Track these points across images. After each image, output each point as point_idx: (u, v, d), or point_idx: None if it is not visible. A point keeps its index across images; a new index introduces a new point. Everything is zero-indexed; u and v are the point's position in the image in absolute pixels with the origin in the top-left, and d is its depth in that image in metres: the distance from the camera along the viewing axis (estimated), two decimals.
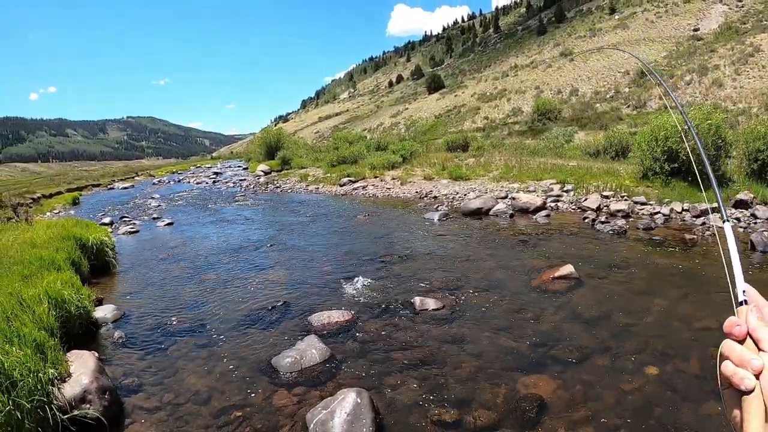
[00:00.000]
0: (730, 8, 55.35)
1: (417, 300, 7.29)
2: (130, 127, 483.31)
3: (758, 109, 22.85)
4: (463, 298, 7.71)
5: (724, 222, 1.20)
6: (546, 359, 5.74)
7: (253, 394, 4.92)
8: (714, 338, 6.15)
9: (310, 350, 5.59)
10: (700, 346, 5.94)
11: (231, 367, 5.53)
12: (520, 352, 5.92)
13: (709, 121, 14.23)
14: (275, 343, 6.12)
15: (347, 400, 4.29)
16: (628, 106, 32.45)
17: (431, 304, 7.20)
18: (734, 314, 0.92)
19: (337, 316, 6.77)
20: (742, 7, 54.07)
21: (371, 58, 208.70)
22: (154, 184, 29.51)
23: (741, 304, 0.94)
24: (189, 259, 10.59)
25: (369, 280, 8.60)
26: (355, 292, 8.08)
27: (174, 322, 6.95)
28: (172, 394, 4.94)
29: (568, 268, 8.34)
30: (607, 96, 36.88)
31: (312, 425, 4.16)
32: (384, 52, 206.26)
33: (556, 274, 8.25)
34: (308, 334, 6.14)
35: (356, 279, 8.62)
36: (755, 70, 28.00)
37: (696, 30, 51.59)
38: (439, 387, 5.09)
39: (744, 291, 0.95)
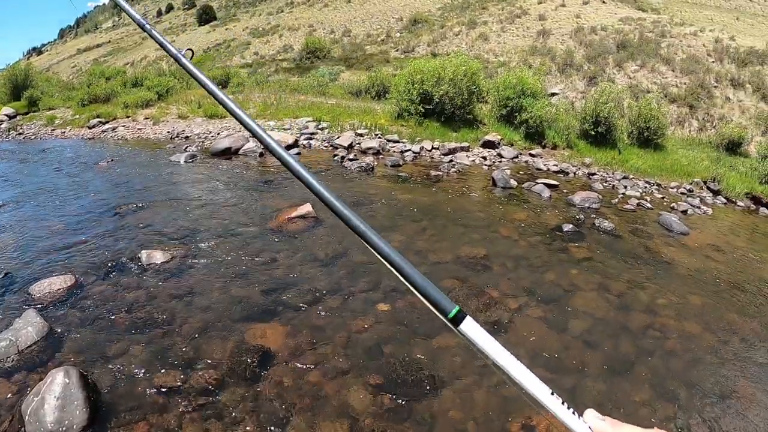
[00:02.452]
0: None
1: (144, 254, 6.67)
2: None
3: (516, 63, 25.36)
4: (196, 247, 7.14)
5: None
6: (276, 306, 5.53)
7: None
8: (448, 270, 6.36)
9: (26, 328, 5.01)
10: (434, 279, 5.89)
11: None
12: (250, 300, 5.66)
13: (464, 67, 14.95)
14: None
15: (56, 382, 3.95)
16: (397, 50, 33.45)
17: (159, 257, 6.63)
18: None
19: (59, 282, 6.01)
20: None
21: None
22: None
23: None
24: None
25: (98, 237, 7.67)
26: (81, 251, 7.15)
27: None
28: None
29: (306, 207, 8.14)
30: (379, 39, 37.66)
31: (27, 417, 3.81)
32: None
33: (294, 214, 7.99)
34: (28, 308, 5.45)
35: (84, 236, 7.66)
36: (520, 30, 30.88)
37: None
38: (165, 349, 4.78)
39: None
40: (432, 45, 31.76)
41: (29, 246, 7.56)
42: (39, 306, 5.54)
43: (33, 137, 19.50)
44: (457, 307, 0.77)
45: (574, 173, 12.31)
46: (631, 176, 12.13)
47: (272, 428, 3.79)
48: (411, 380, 4.29)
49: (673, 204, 10.62)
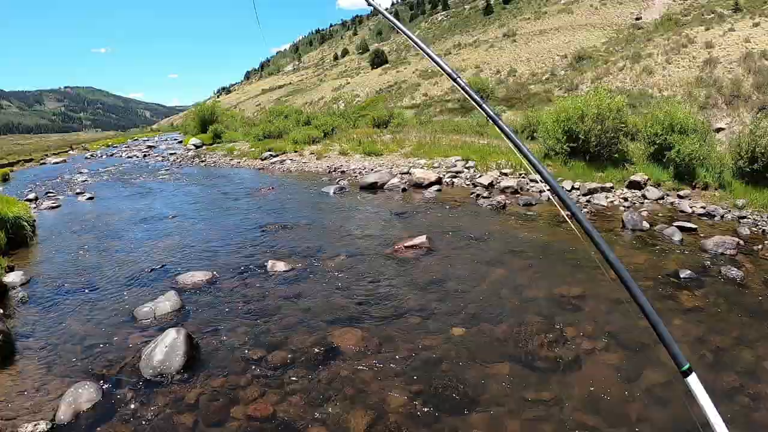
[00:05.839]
0: (673, 0, 56.71)
1: (269, 263, 8.14)
2: (67, 97, 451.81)
3: (682, 96, 23.44)
4: (316, 262, 8.35)
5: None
6: (363, 315, 6.32)
7: (114, 336, 5.97)
8: (536, 306, 6.54)
9: (164, 302, 6.65)
10: (518, 313, 6.37)
11: (106, 316, 6.54)
12: (343, 308, 6.55)
13: (608, 102, 14.66)
14: (144, 298, 6.98)
15: (168, 336, 5.31)
16: (561, 89, 32.86)
17: (281, 266, 8.02)
18: None
19: (200, 275, 7.72)
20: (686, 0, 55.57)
21: (318, 31, 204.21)
22: (86, 158, 28.59)
23: None
24: (98, 231, 11.24)
25: (241, 246, 9.49)
26: (224, 255, 9.00)
27: (71, 284, 7.82)
28: (56, 338, 5.98)
29: (420, 238, 8.83)
30: (543, 78, 37.36)
31: (143, 356, 5.28)
32: (331, 25, 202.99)
33: (409, 243, 8.74)
34: (171, 290, 7.10)
35: (231, 245, 9.62)
36: (685, 60, 28.66)
37: (638, 19, 52.89)
38: (261, 333, 5.92)
39: None
40: (596, 81, 30.83)
41: (186, 247, 9.60)
42: (180, 289, 7.23)
43: (213, 165, 22.68)
44: (689, 364, 0.88)
45: (722, 216, 11.12)
46: None
47: (315, 405, 4.52)
48: (450, 396, 4.57)
49: None
